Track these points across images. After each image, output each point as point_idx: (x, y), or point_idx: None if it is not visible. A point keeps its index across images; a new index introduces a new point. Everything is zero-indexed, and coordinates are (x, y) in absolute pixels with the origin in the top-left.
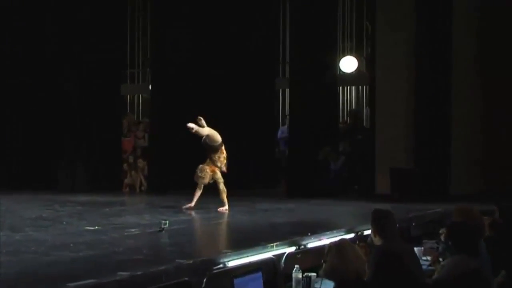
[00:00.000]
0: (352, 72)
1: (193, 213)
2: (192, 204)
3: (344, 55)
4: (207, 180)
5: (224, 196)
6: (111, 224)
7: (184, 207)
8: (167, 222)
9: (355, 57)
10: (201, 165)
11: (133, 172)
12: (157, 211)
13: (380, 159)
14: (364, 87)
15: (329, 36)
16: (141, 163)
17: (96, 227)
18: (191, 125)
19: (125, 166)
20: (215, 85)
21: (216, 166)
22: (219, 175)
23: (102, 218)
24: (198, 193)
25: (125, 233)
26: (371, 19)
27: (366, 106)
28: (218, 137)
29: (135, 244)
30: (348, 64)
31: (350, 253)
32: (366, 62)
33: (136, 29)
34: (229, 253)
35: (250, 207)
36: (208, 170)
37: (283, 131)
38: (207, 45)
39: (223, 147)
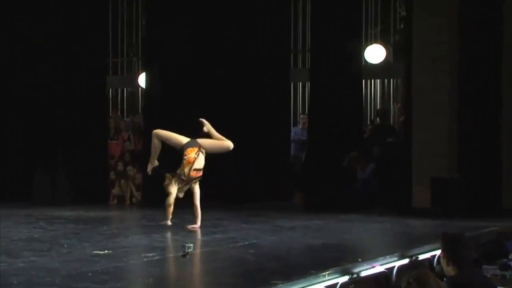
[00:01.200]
0: (378, 64)
1: (207, 232)
2: (197, 225)
3: (368, 44)
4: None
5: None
6: (121, 247)
7: (189, 227)
8: (192, 245)
9: (382, 45)
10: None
11: (122, 181)
12: (165, 229)
13: (418, 167)
14: (391, 80)
15: (353, 21)
16: (131, 170)
17: (106, 251)
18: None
19: (112, 174)
20: (220, 79)
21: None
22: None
23: (105, 239)
24: (196, 212)
25: (144, 259)
26: (405, 1)
27: (393, 103)
28: (178, 140)
29: (163, 273)
30: (375, 53)
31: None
32: (394, 52)
33: (119, 9)
34: (280, 285)
35: (270, 224)
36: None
37: (295, 132)
38: (208, 35)
39: (186, 152)
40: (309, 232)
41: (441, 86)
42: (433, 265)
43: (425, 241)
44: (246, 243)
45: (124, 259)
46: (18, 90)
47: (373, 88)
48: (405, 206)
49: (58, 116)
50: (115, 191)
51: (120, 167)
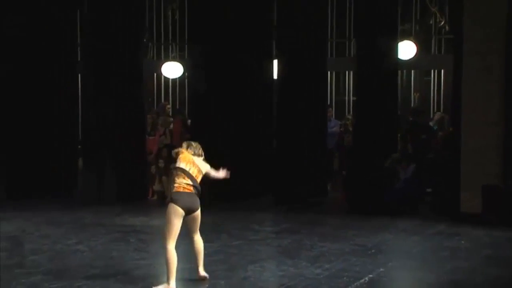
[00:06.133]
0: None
1: (307, 258)
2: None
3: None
4: None
5: None
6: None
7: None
8: None
9: (411, 41)
10: None
11: (163, 178)
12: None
13: (466, 172)
14: (412, 71)
15: (389, 15)
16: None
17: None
18: None
19: (153, 168)
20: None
21: None
22: None
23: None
24: None
25: None
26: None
27: (413, 92)
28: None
29: None
30: (407, 50)
31: None
32: (417, 46)
33: None
34: None
35: (349, 242)
36: None
37: (329, 125)
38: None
39: None
40: (403, 259)
41: (491, 95)
42: None
43: None
44: (367, 279)
45: None
46: (53, 89)
47: None
48: (455, 211)
49: (98, 112)
50: (156, 187)
51: (161, 163)
